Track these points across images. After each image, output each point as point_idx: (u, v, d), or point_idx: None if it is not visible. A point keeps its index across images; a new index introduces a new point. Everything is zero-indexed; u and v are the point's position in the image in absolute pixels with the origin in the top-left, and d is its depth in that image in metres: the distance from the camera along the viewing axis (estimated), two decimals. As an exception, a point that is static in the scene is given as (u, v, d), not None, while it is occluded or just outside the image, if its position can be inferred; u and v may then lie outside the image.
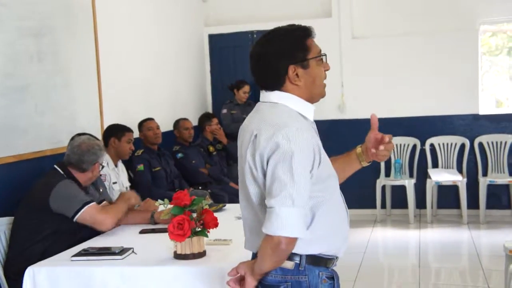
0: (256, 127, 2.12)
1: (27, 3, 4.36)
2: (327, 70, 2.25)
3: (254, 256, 2.22)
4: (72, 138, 3.86)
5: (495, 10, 7.52)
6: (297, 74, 2.15)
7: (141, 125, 5.72)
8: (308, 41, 2.19)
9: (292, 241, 2.02)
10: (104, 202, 3.89)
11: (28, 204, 3.53)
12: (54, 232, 3.43)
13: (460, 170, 7.52)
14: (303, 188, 2.01)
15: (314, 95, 2.22)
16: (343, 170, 2.40)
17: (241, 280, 2.17)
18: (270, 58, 2.16)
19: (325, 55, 2.25)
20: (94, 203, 3.49)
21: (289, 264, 2.11)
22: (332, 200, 2.18)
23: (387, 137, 2.35)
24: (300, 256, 2.12)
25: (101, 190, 4.19)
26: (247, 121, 2.26)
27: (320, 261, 2.16)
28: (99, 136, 4.77)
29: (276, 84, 2.18)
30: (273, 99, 2.19)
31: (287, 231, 1.99)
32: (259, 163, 2.07)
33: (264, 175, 2.06)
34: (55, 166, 3.66)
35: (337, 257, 2.24)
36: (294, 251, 2.08)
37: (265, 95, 2.22)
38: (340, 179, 2.32)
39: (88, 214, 3.41)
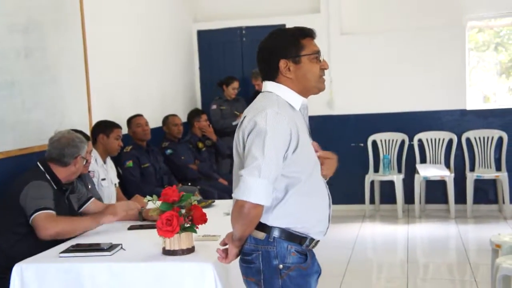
0: (246, 112, 2.37)
1: (15, 0, 4.34)
2: (325, 68, 2.44)
3: None
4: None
5: (482, 6, 7.56)
6: (289, 68, 2.37)
7: (129, 121, 5.70)
8: (304, 40, 2.40)
9: (254, 206, 2.21)
10: (93, 199, 3.86)
11: (4, 200, 3.50)
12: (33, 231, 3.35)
13: (447, 165, 7.55)
14: (271, 164, 2.20)
15: (307, 88, 2.43)
16: None
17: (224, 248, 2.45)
18: (266, 52, 2.42)
19: (320, 54, 2.42)
20: (47, 211, 3.31)
21: (260, 235, 2.31)
22: (309, 183, 2.34)
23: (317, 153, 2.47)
24: (270, 228, 2.30)
25: (89, 186, 4.17)
26: (244, 111, 2.45)
27: (290, 237, 2.32)
28: (88, 133, 4.74)
29: (272, 75, 2.41)
30: (268, 88, 2.42)
31: (249, 197, 2.19)
32: (241, 139, 2.31)
33: (244, 149, 2.29)
34: (38, 162, 3.61)
35: (313, 239, 2.38)
36: (265, 222, 2.30)
37: (265, 85, 2.45)
38: None
39: (37, 219, 3.28)
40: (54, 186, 3.50)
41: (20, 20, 4.39)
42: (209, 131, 6.82)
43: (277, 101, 2.34)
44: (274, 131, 2.22)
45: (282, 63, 2.36)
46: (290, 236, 2.32)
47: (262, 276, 2.31)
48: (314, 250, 2.45)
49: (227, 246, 2.42)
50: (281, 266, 2.30)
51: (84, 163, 3.76)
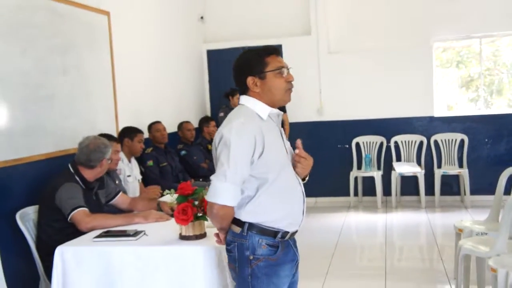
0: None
1: (54, 25, 4.37)
2: (290, 80, 2.35)
3: None
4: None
5: (446, 31, 7.58)
6: (256, 84, 2.31)
7: (150, 127, 5.71)
8: (269, 57, 2.33)
9: (221, 207, 2.20)
10: (121, 193, 3.87)
11: (44, 197, 3.51)
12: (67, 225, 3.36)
13: (419, 163, 7.55)
14: (235, 170, 2.16)
15: (273, 101, 2.35)
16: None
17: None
18: (236, 71, 2.37)
19: (287, 68, 2.35)
20: (81, 208, 3.33)
21: (236, 229, 2.27)
22: (277, 183, 2.27)
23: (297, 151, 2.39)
24: (244, 224, 2.25)
25: (117, 182, 4.19)
26: None
27: (262, 231, 2.26)
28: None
29: (244, 90, 2.36)
30: (242, 101, 2.37)
31: (216, 199, 2.18)
32: (214, 149, 2.28)
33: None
34: (69, 165, 3.60)
35: (286, 231, 2.30)
36: (239, 218, 2.26)
37: (240, 98, 2.41)
38: None
39: (76, 216, 3.29)
40: (82, 186, 3.51)
41: (59, 42, 4.42)
42: None
43: (245, 112, 2.29)
44: (239, 140, 2.18)
45: (250, 80, 2.31)
46: (261, 230, 2.26)
47: (237, 263, 2.28)
48: (302, 239, 2.38)
49: None
50: (251, 257, 2.25)
51: (110, 162, 3.72)
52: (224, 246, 2.38)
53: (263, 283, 2.25)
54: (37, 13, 4.16)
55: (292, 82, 2.37)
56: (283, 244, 2.30)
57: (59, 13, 4.44)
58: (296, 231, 2.38)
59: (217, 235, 2.42)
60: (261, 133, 2.23)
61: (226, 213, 2.23)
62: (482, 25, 7.45)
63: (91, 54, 4.92)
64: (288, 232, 2.31)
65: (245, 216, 2.25)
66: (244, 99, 2.36)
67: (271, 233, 2.27)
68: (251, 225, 2.25)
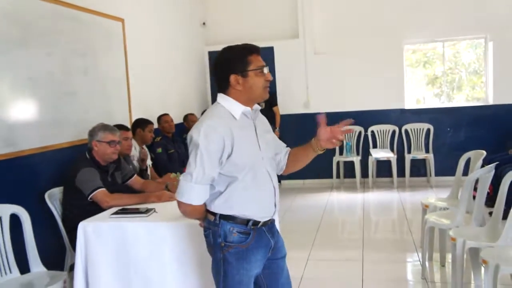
0: None
1: (76, 31, 4.38)
2: (268, 80, 2.13)
3: None
4: None
5: (415, 35, 7.58)
6: (238, 82, 2.08)
7: (159, 119, 5.71)
8: (250, 56, 2.09)
9: (187, 205, 2.04)
10: (135, 176, 3.85)
11: (66, 180, 3.51)
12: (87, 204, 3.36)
13: (392, 149, 7.58)
14: (203, 171, 1.99)
15: (252, 98, 2.13)
16: (303, 158, 2.32)
17: None
18: (219, 67, 2.12)
19: (266, 66, 2.13)
20: (101, 189, 3.33)
21: (211, 217, 2.11)
22: (247, 180, 2.07)
23: (341, 130, 2.21)
24: (216, 214, 2.09)
25: (130, 166, 4.20)
26: None
27: (233, 219, 2.09)
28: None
29: (223, 88, 2.13)
30: (218, 99, 2.15)
31: (181, 197, 2.04)
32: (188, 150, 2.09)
33: None
34: (86, 151, 3.59)
35: (256, 221, 2.11)
36: (213, 210, 2.09)
37: (217, 96, 2.17)
38: (303, 164, 2.32)
39: (97, 196, 3.31)
40: (98, 169, 3.50)
41: (80, 46, 4.43)
42: None
43: (218, 113, 2.08)
44: (205, 143, 1.98)
45: (233, 77, 2.07)
46: (233, 218, 2.08)
47: (212, 248, 2.14)
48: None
49: None
50: (223, 244, 2.08)
51: (114, 145, 3.56)
52: None
53: (234, 268, 2.08)
54: (61, 21, 4.17)
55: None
56: (255, 231, 2.11)
57: (80, 20, 4.44)
58: (270, 220, 2.18)
59: None
60: (231, 135, 2.02)
61: (193, 210, 2.07)
62: (444, 31, 7.48)
63: (108, 56, 4.92)
64: (259, 222, 2.13)
65: (215, 208, 2.09)
66: (221, 98, 2.13)
67: (243, 221, 2.09)
68: (223, 215, 2.09)
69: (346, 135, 7.65)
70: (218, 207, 2.08)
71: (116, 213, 3.05)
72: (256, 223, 2.12)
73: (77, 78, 4.35)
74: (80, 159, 3.54)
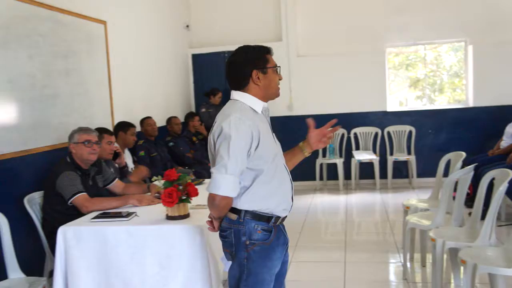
0: (217, 117, 2.18)
1: (58, 34, 4.32)
2: (280, 79, 2.27)
3: None
4: None
5: (396, 38, 7.67)
6: (258, 77, 2.18)
7: (142, 121, 5.66)
8: (267, 55, 2.23)
9: (223, 198, 2.05)
10: (117, 180, 3.82)
11: (46, 184, 3.47)
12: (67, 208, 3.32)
13: (374, 151, 7.63)
14: (235, 162, 2.02)
15: (269, 94, 2.23)
16: (291, 160, 2.40)
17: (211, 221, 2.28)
18: (240, 64, 2.19)
19: (280, 67, 2.28)
20: (81, 193, 3.29)
21: (233, 216, 2.14)
22: (271, 173, 2.15)
23: (328, 130, 2.42)
24: (240, 211, 2.13)
25: (112, 170, 4.16)
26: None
27: (257, 217, 2.14)
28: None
29: (241, 85, 2.20)
30: (234, 96, 2.22)
31: (218, 191, 2.04)
32: (212, 141, 2.13)
33: (215, 151, 2.11)
34: (67, 155, 3.55)
35: (278, 216, 2.19)
36: (236, 207, 2.13)
37: (232, 94, 2.24)
38: (291, 167, 2.36)
39: (77, 200, 3.27)
40: (79, 172, 3.46)
41: (61, 49, 4.37)
42: (201, 128, 6.82)
43: (240, 107, 2.15)
44: (237, 134, 2.04)
45: (254, 73, 2.17)
46: (257, 216, 2.13)
47: (234, 248, 2.15)
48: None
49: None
50: (247, 242, 2.12)
51: (91, 145, 3.51)
52: (203, 226, 2.35)
53: (258, 266, 2.14)
54: (42, 23, 4.12)
55: None
56: (275, 229, 2.19)
57: (62, 22, 4.39)
58: (286, 216, 2.26)
59: (210, 223, 2.28)
60: (257, 127, 2.10)
61: (227, 203, 2.10)
62: (426, 34, 7.57)
63: (90, 59, 4.87)
64: (280, 217, 2.20)
65: (241, 205, 2.12)
66: (238, 94, 2.21)
67: (266, 219, 2.15)
68: (247, 212, 2.13)
69: (329, 137, 7.70)
70: (245, 203, 2.12)
71: (97, 217, 3.02)
72: (276, 220, 2.18)
73: (59, 80, 4.30)
74: (61, 163, 3.50)
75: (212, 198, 2.08)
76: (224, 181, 2.03)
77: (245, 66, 2.18)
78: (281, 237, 2.23)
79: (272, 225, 2.18)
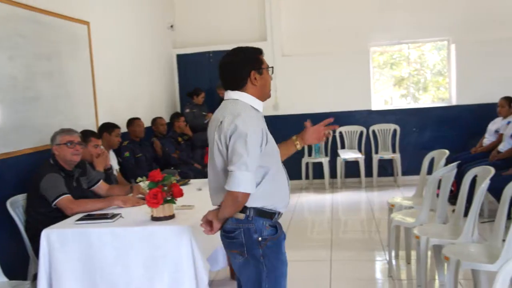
0: (221, 116, 2.17)
1: (40, 35, 4.28)
2: (271, 80, 2.33)
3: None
4: None
5: (380, 37, 7.72)
6: (255, 78, 2.21)
7: (132, 122, 5.59)
8: (261, 56, 2.26)
9: (246, 195, 2.08)
10: (101, 181, 3.79)
11: (30, 187, 3.43)
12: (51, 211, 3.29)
13: (360, 150, 7.66)
14: (253, 159, 2.06)
15: (264, 94, 2.27)
16: (284, 152, 2.44)
17: (209, 223, 2.27)
18: (238, 65, 2.21)
19: (273, 67, 2.33)
20: (65, 195, 3.26)
21: (241, 216, 2.16)
22: (274, 169, 2.20)
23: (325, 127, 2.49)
24: (249, 209, 2.15)
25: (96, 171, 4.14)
26: (215, 114, 2.28)
27: (263, 214, 2.18)
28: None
29: (239, 85, 2.21)
30: (234, 96, 2.22)
31: (242, 188, 2.05)
32: (223, 141, 2.11)
33: (227, 149, 2.11)
34: (50, 157, 3.51)
35: (279, 212, 2.25)
36: (250, 205, 2.15)
37: (229, 94, 2.24)
38: (282, 158, 2.39)
39: (61, 202, 3.25)
40: (62, 174, 3.43)
41: (44, 50, 4.33)
42: (186, 129, 6.80)
43: (242, 106, 2.17)
44: (252, 131, 2.07)
45: (252, 74, 2.20)
46: (263, 213, 2.18)
47: (245, 247, 2.16)
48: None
49: (206, 219, 2.29)
50: (260, 238, 2.16)
51: (73, 146, 3.47)
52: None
53: (275, 260, 2.19)
54: (24, 24, 4.07)
55: None
56: (278, 224, 2.25)
57: (44, 23, 4.35)
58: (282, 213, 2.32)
59: (208, 225, 2.26)
60: (263, 125, 2.17)
61: (246, 200, 2.11)
62: (409, 33, 7.63)
63: (73, 60, 4.83)
64: (280, 213, 2.26)
65: (251, 202, 2.14)
66: (237, 94, 2.22)
67: (270, 215, 2.20)
68: (254, 210, 2.16)
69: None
70: (255, 200, 2.14)
71: (81, 219, 2.99)
72: (278, 215, 2.25)
73: (41, 82, 4.26)
74: (44, 165, 3.46)
75: (235, 196, 2.08)
76: (246, 178, 2.05)
77: (244, 67, 2.21)
78: (282, 232, 2.29)
79: (275, 221, 2.24)
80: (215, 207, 2.31)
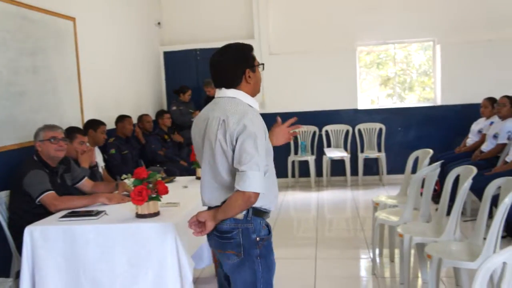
0: (222, 115, 2.08)
1: (25, 30, 4.23)
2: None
3: (209, 208, 2.20)
4: None
5: (367, 37, 7.76)
6: (249, 76, 2.17)
7: (123, 119, 5.56)
8: (252, 53, 2.23)
9: (257, 195, 2.02)
10: (86, 178, 3.77)
11: (14, 183, 3.39)
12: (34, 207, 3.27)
13: (345, 149, 7.69)
14: (263, 158, 2.02)
15: (255, 92, 2.23)
16: None
17: (200, 224, 2.14)
18: (232, 63, 2.16)
19: (263, 64, 2.28)
20: (49, 192, 3.24)
21: (240, 215, 2.11)
22: (271, 168, 2.20)
23: (289, 127, 2.43)
24: (248, 209, 2.11)
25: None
26: (206, 111, 2.20)
27: (260, 213, 2.16)
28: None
29: (234, 83, 2.16)
30: (230, 94, 2.16)
31: (255, 188, 1.99)
32: (229, 140, 2.04)
33: (233, 149, 2.04)
34: (34, 154, 3.48)
35: (269, 211, 2.23)
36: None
37: (223, 92, 2.18)
38: None
39: (45, 199, 3.22)
40: (46, 170, 3.40)
41: (29, 45, 4.29)
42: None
43: (242, 105, 2.13)
44: (259, 131, 2.04)
45: (247, 72, 2.16)
46: (260, 213, 2.16)
47: (242, 248, 2.11)
48: None
49: (195, 220, 2.16)
50: (258, 238, 2.12)
51: (57, 142, 3.44)
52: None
53: (269, 260, 2.18)
54: (8, 19, 4.03)
55: None
56: (269, 224, 2.23)
57: (30, 19, 4.31)
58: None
59: (198, 225, 2.14)
60: (263, 123, 2.13)
61: (256, 201, 2.04)
62: (395, 34, 7.70)
63: (59, 55, 4.79)
64: (270, 212, 2.24)
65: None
66: (233, 92, 2.16)
67: (264, 214, 2.18)
68: (253, 210, 2.13)
69: (301, 134, 7.76)
70: (258, 199, 2.06)
71: (65, 216, 2.97)
72: (269, 214, 2.22)
73: (26, 77, 4.22)
74: (28, 162, 3.43)
75: (248, 196, 2.00)
76: (258, 179, 2.00)
77: (239, 65, 2.16)
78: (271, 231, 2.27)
79: (266, 220, 2.22)
80: (205, 207, 2.26)
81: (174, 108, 7.14)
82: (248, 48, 2.22)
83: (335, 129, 7.80)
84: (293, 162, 7.76)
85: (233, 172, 2.07)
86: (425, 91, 8.21)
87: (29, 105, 4.23)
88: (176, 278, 2.66)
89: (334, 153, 7.42)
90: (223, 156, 2.08)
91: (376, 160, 7.72)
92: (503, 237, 3.91)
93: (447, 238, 3.25)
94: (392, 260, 4.24)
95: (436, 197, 5.18)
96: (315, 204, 6.57)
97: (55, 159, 3.49)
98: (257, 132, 2.02)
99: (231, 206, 2.06)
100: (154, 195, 2.83)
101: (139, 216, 2.83)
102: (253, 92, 2.22)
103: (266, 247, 2.17)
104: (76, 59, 5.10)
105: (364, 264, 4.36)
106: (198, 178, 3.89)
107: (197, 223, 2.15)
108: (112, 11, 6.25)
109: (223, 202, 2.11)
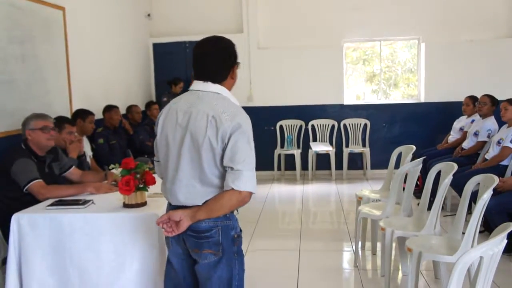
0: (210, 111, 1.96)
1: (14, 18, 4.18)
2: None
3: (183, 207, 2.03)
4: None
5: (354, 34, 7.79)
6: (234, 72, 2.09)
7: (110, 109, 5.51)
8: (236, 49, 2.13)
9: (251, 195, 1.96)
10: (73, 167, 3.73)
11: (1, 171, 3.31)
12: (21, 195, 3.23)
13: (331, 143, 7.72)
14: (254, 157, 1.98)
15: (231, 88, 2.13)
16: None
17: (175, 223, 1.98)
18: (223, 58, 2.04)
19: (240, 62, 2.17)
20: (37, 180, 3.20)
21: None
22: None
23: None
24: None
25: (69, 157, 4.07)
26: (186, 104, 2.05)
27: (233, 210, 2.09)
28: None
29: (220, 78, 2.04)
30: (214, 90, 2.03)
31: (251, 188, 1.93)
32: (220, 138, 1.93)
33: (223, 147, 1.94)
34: (22, 143, 3.43)
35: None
36: None
37: (206, 86, 2.04)
38: None
39: (33, 187, 3.19)
40: (34, 159, 3.36)
41: (18, 34, 4.23)
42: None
43: (229, 102, 2.03)
44: (251, 130, 1.99)
45: (234, 68, 2.08)
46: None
47: (220, 246, 2.02)
48: None
49: (166, 219, 2.00)
50: (236, 235, 2.06)
51: (48, 131, 3.40)
52: (160, 214, 2.27)
53: (242, 256, 2.12)
54: (-4, 6, 3.97)
55: None
56: None
57: (18, 7, 4.25)
58: None
59: (171, 225, 1.98)
60: None
61: (249, 200, 1.99)
62: (381, 31, 7.74)
63: (48, 45, 4.73)
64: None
65: None
66: (221, 89, 2.04)
67: (235, 210, 2.11)
68: None
69: (287, 128, 7.78)
70: None
71: (53, 204, 2.95)
72: None
73: (14, 66, 4.16)
74: (16, 150, 3.38)
75: (243, 195, 1.92)
76: (252, 178, 1.95)
77: (229, 60, 2.06)
78: None
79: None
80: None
81: (165, 99, 7.10)
82: (234, 44, 2.11)
83: (321, 124, 7.83)
84: (279, 155, 7.78)
85: (220, 170, 1.97)
86: (409, 88, 8.27)
87: (18, 93, 4.18)
88: (162, 268, 2.66)
89: (319, 147, 7.44)
90: (211, 153, 1.96)
91: (360, 155, 7.78)
92: (480, 232, 3.98)
93: (427, 232, 3.30)
94: (374, 253, 4.29)
95: (418, 192, 5.24)
96: (300, 197, 6.60)
97: (45, 148, 3.46)
98: (250, 131, 1.98)
99: (221, 205, 1.96)
100: (141, 186, 2.82)
101: (126, 206, 2.82)
102: (231, 89, 2.12)
103: (240, 244, 2.11)
104: (65, 48, 5.05)
105: (347, 256, 4.40)
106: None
107: (168, 222, 1.99)
108: (102, 2, 6.18)
109: (206, 202, 1.99)
